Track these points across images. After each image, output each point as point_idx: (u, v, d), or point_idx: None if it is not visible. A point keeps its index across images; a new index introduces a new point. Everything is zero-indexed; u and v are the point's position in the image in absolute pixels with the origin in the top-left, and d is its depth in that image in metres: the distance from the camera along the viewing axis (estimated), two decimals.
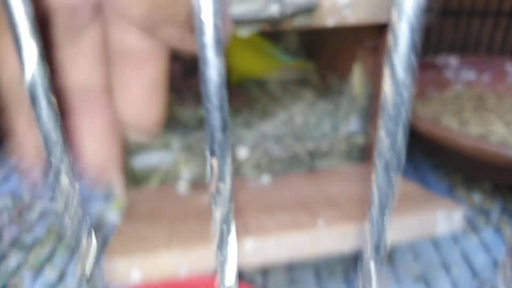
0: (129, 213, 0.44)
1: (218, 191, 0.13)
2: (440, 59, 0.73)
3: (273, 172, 0.52)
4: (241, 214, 0.42)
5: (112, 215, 0.52)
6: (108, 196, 0.58)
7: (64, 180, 0.14)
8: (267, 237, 0.37)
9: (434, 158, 0.62)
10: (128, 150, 0.50)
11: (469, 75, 0.72)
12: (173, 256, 0.36)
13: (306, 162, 0.53)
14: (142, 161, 0.50)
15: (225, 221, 0.14)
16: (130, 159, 0.49)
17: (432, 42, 0.88)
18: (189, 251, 0.36)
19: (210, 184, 0.13)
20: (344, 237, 0.37)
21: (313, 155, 0.53)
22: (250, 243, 0.37)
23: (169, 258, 0.36)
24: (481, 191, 0.56)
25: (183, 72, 0.71)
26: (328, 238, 0.37)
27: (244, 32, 0.44)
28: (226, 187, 0.13)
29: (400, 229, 0.37)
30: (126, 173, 0.49)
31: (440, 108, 0.67)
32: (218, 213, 0.14)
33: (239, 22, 0.43)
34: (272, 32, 0.80)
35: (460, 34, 0.87)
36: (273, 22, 0.43)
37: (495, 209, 0.53)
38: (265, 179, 0.50)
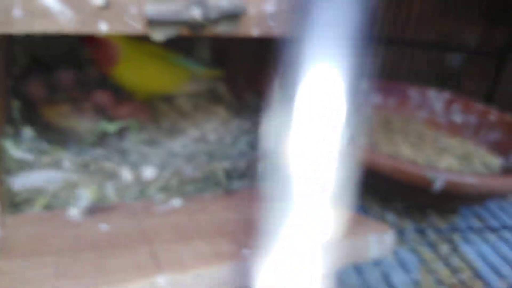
0: (5, 247, 0.35)
1: None
2: None
3: (185, 194, 0.46)
4: (149, 244, 0.35)
5: None
6: None
7: None
8: (183, 272, 0.31)
9: None
10: (5, 167, 0.41)
11: (377, 99, 0.74)
12: None
13: (222, 183, 0.48)
14: (24, 181, 0.41)
15: None
16: (8, 179, 0.40)
17: None
18: None
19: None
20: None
21: (230, 175, 0.48)
22: (162, 280, 0.31)
23: None
24: (395, 212, 0.56)
25: (79, 82, 0.63)
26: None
27: (159, 36, 0.39)
28: None
29: (333, 254, 0.34)
30: (1, 195, 0.40)
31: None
32: None
33: (155, 23, 0.37)
34: (181, 45, 0.75)
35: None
36: (195, 26, 0.39)
37: (409, 229, 0.53)
38: (176, 202, 0.44)
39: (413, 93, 0.75)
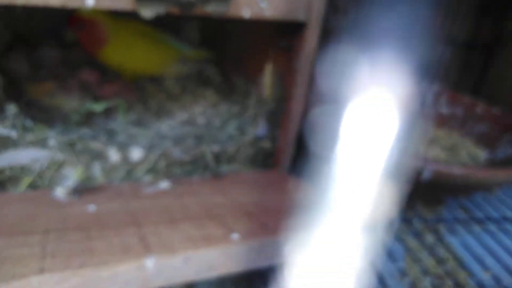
0: None
1: None
2: None
3: (173, 176, 0.46)
4: (137, 226, 0.35)
5: None
6: None
7: None
8: (171, 255, 0.31)
9: None
10: None
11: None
12: (47, 284, 0.28)
13: (211, 166, 0.47)
14: (7, 159, 0.40)
15: None
16: None
17: None
18: (70, 277, 0.29)
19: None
20: (261, 252, 0.32)
21: (218, 158, 0.48)
22: (150, 263, 0.31)
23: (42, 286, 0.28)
24: None
25: (63, 60, 0.61)
26: (244, 254, 0.32)
27: (147, 13, 0.38)
28: None
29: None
30: None
31: None
32: None
33: (143, 0, 0.36)
34: (169, 24, 0.74)
35: None
36: (184, 4, 0.38)
37: (395, 218, 0.54)
38: (164, 184, 0.43)
39: None
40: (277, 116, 0.50)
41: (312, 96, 0.44)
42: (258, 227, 0.34)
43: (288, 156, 0.49)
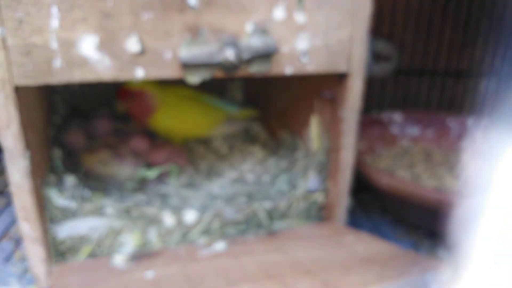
0: None
1: None
2: (385, 115, 0.73)
3: (227, 236, 0.45)
4: None
5: None
6: (23, 275, 0.47)
7: None
8: None
9: (393, 214, 0.59)
10: (50, 216, 0.41)
11: (414, 130, 0.72)
12: None
13: (264, 224, 0.47)
14: (68, 229, 0.41)
15: None
16: (52, 227, 0.40)
17: (374, 99, 0.89)
18: None
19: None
20: None
21: (271, 215, 0.47)
22: None
23: None
24: (446, 246, 0.53)
25: (116, 129, 0.64)
26: None
27: (195, 79, 0.39)
28: None
29: None
30: (47, 244, 0.40)
31: (392, 164, 0.65)
32: None
33: (190, 66, 0.38)
34: (215, 86, 0.76)
35: (399, 92, 0.89)
36: (229, 67, 0.39)
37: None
38: (219, 245, 0.43)
39: (452, 122, 0.73)
40: (327, 168, 0.49)
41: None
42: (320, 285, 0.33)
43: (343, 208, 0.48)
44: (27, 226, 0.37)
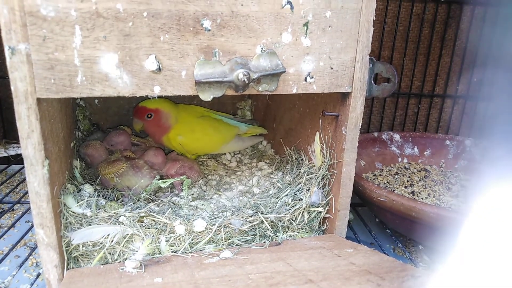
0: None
1: None
2: (385, 135, 0.72)
3: (233, 246, 0.45)
4: None
5: None
6: (35, 281, 0.47)
7: None
8: None
9: (392, 228, 0.58)
10: (65, 223, 0.41)
11: (413, 150, 0.72)
12: None
13: (269, 235, 0.46)
14: (82, 236, 0.41)
15: None
16: (68, 234, 0.40)
17: (374, 120, 0.89)
18: None
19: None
20: None
21: (276, 227, 0.47)
22: None
23: None
24: (443, 261, 0.52)
25: (133, 143, 0.65)
26: None
27: (207, 97, 0.39)
28: None
29: None
30: (61, 250, 0.39)
31: (392, 181, 0.64)
32: None
33: (203, 84, 0.38)
34: (226, 104, 0.77)
35: (399, 113, 0.89)
36: (239, 86, 0.39)
37: None
38: (225, 253, 0.42)
39: (450, 143, 0.72)
40: (329, 182, 0.49)
41: None
42: None
43: (343, 221, 0.47)
44: (42, 232, 0.37)
